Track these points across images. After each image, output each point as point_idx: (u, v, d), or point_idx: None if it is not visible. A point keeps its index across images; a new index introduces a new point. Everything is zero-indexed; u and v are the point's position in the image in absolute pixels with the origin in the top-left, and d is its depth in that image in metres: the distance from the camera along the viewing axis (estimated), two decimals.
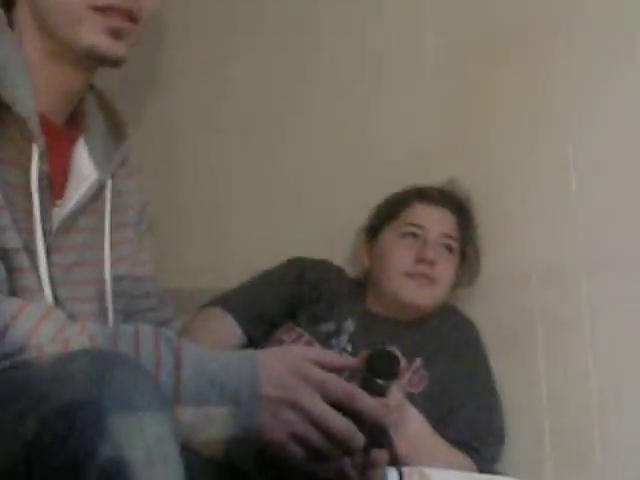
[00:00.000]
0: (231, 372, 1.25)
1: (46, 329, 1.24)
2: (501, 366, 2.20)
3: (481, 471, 2.04)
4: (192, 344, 1.28)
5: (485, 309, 2.29)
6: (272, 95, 2.64)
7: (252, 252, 2.51)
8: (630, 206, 2.16)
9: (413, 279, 2.15)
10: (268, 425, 1.23)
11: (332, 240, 2.45)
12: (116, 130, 1.62)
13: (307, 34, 2.61)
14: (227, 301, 2.24)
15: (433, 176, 2.31)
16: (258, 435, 1.23)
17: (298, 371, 1.26)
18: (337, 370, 1.30)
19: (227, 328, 2.18)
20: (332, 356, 1.33)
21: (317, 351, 1.39)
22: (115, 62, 1.47)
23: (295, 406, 1.24)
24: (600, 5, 2.21)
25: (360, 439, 1.25)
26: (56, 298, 1.45)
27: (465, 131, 2.38)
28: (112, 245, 1.58)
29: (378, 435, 1.30)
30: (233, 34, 2.72)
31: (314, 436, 1.23)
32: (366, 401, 1.27)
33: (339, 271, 2.35)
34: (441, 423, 2.01)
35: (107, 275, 1.56)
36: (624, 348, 2.13)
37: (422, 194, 2.26)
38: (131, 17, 1.45)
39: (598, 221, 2.19)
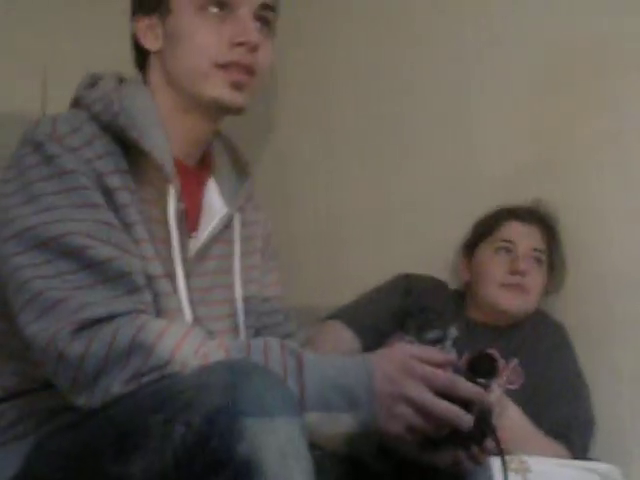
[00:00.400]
0: (349, 375, 1.34)
1: (188, 345, 1.32)
2: (588, 363, 2.32)
3: (575, 459, 2.15)
4: (312, 353, 1.38)
5: (573, 312, 2.42)
6: (383, 114, 2.74)
7: (366, 269, 2.66)
8: None
9: (507, 289, 2.32)
10: (385, 420, 1.33)
11: (435, 256, 2.59)
12: (240, 169, 1.76)
13: (417, 54, 2.70)
14: (344, 314, 2.38)
15: (527, 193, 2.45)
16: (377, 430, 1.33)
17: (404, 367, 1.35)
18: (439, 365, 1.39)
19: (345, 338, 2.32)
20: (433, 352, 1.42)
21: (419, 348, 1.44)
22: (237, 111, 1.61)
23: (405, 399, 1.34)
24: None
25: (468, 420, 1.34)
26: (195, 317, 1.56)
27: (556, 149, 2.49)
28: (241, 269, 1.69)
29: (483, 419, 1.39)
30: (341, 60, 2.84)
31: (426, 425, 1.34)
32: (468, 386, 1.37)
33: (441, 284, 2.51)
34: (537, 416, 2.15)
35: (238, 295, 1.68)
36: None
37: (512, 213, 2.41)
38: (249, 71, 1.59)
39: None
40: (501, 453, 1.43)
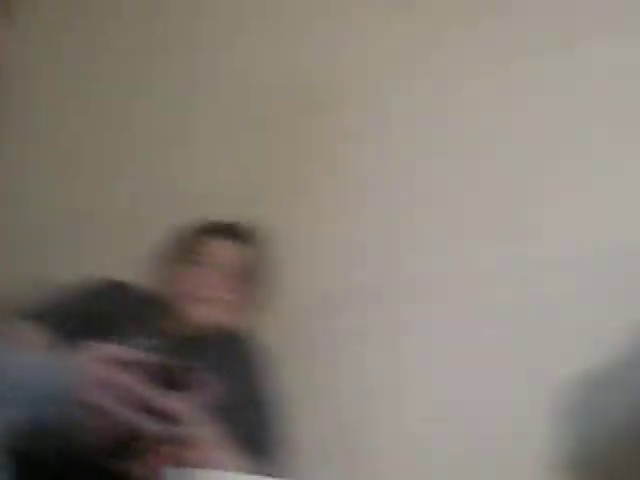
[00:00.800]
0: (42, 379, 1.33)
1: None
2: (289, 381, 2.40)
3: (265, 474, 2.12)
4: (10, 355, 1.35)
5: (276, 330, 2.50)
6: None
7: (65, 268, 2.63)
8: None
9: (201, 303, 2.36)
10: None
11: (133, 264, 2.57)
12: None
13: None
14: (34, 315, 2.30)
15: (230, 211, 2.51)
16: (66, 432, 1.33)
17: (99, 374, 1.37)
18: (137, 364, 1.41)
19: (36, 340, 2.23)
20: (132, 352, 1.44)
21: (118, 348, 1.45)
22: None
23: (97, 406, 1.35)
24: None
25: (150, 426, 1.38)
26: None
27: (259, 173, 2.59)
28: None
29: (167, 430, 1.43)
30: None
31: (116, 431, 1.35)
32: (160, 399, 1.41)
33: (147, 293, 2.49)
34: (230, 431, 2.13)
35: None
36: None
37: (210, 228, 2.46)
38: None
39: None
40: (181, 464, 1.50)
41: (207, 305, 2.36)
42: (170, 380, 1.52)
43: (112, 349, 1.41)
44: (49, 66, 2.83)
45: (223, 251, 2.43)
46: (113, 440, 1.37)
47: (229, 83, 2.68)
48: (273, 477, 2.13)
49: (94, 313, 2.38)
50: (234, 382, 2.25)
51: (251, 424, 2.27)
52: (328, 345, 2.49)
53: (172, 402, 1.44)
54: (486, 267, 2.41)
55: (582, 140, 2.37)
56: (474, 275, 2.41)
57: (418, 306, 2.43)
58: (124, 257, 2.62)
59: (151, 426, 1.38)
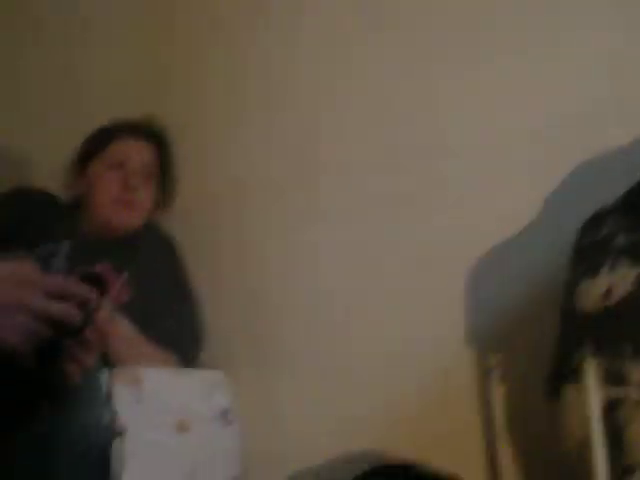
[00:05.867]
0: None
1: None
2: (197, 275, 2.44)
3: (185, 366, 2.27)
4: None
5: (183, 225, 2.52)
6: None
7: None
8: None
9: (119, 205, 2.35)
10: (3, 332, 1.30)
11: (47, 170, 2.59)
12: None
13: None
14: None
15: (139, 108, 2.49)
16: None
17: (14, 277, 1.33)
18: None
19: None
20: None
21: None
22: None
23: (22, 308, 1.31)
24: None
25: (77, 314, 1.34)
26: None
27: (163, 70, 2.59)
28: None
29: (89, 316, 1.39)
30: None
31: (42, 328, 1.31)
32: (78, 286, 1.38)
33: (53, 198, 2.48)
34: (147, 328, 2.22)
35: None
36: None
37: (122, 129, 2.43)
38: None
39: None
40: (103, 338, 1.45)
41: (128, 208, 2.38)
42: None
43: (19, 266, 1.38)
44: None
45: (140, 152, 2.43)
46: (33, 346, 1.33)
47: None
48: (193, 369, 2.27)
49: (9, 225, 2.37)
50: (151, 279, 2.34)
51: (171, 317, 2.33)
52: (232, 234, 2.53)
53: (89, 290, 1.40)
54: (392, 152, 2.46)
55: None
56: (378, 160, 2.46)
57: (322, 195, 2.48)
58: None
59: (75, 314, 1.35)
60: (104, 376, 1.58)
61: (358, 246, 2.42)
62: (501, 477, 2.24)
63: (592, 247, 2.05)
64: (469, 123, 2.38)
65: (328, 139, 2.50)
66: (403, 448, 2.20)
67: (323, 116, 2.49)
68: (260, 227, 2.51)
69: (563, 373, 2.02)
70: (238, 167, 2.54)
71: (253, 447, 2.25)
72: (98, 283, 1.56)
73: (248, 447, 2.23)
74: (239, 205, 2.53)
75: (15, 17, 2.73)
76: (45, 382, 1.42)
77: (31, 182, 2.57)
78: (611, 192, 2.09)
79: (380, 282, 2.41)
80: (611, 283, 1.94)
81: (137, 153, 2.41)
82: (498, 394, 2.30)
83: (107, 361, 2.05)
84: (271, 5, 2.54)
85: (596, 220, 2.08)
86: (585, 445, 1.90)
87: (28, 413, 1.44)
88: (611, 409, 1.90)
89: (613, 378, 1.90)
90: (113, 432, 1.65)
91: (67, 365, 1.37)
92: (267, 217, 2.50)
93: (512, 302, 2.31)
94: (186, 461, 2.02)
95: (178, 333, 2.31)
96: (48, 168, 2.60)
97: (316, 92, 2.51)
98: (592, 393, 1.91)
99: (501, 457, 2.26)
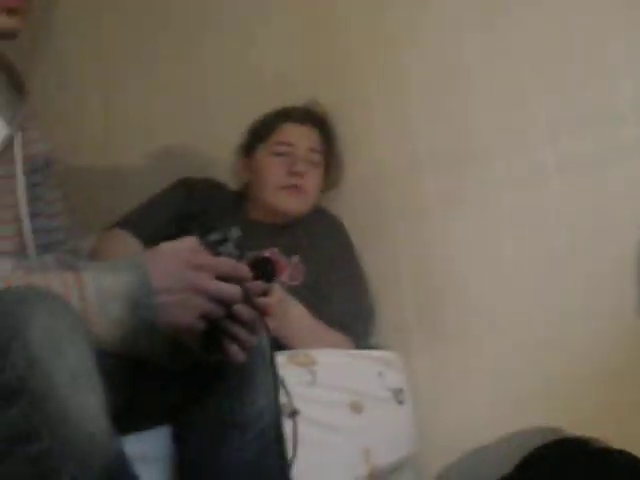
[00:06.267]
0: (124, 280, 1.35)
1: None
2: (368, 255, 2.45)
3: (357, 347, 2.28)
4: (90, 264, 1.38)
5: (350, 206, 2.53)
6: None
7: (147, 177, 2.69)
8: None
9: (286, 191, 2.37)
10: (174, 313, 1.35)
11: (214, 157, 2.65)
12: (18, 88, 1.69)
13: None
14: (127, 222, 2.39)
15: (298, 97, 2.52)
16: (167, 325, 1.35)
17: (184, 259, 1.38)
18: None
19: (129, 246, 2.33)
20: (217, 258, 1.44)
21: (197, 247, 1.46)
22: (11, 36, 1.56)
23: (194, 289, 1.36)
24: None
25: (247, 311, 1.40)
26: None
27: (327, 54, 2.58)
28: (26, 188, 1.65)
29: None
30: None
31: (216, 309, 1.37)
32: (246, 270, 1.42)
33: (222, 186, 2.54)
34: (319, 310, 2.25)
35: (24, 214, 1.64)
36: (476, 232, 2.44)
37: (288, 114, 2.46)
38: None
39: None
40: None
41: (296, 193, 2.40)
42: (257, 273, 1.50)
43: (191, 248, 1.43)
44: None
45: (306, 137, 2.45)
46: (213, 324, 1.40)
47: None
48: (366, 351, 2.27)
49: (182, 213, 2.44)
50: (321, 261, 2.39)
51: (343, 299, 2.35)
52: (398, 214, 2.51)
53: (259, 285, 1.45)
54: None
55: None
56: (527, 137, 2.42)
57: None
58: (199, 151, 2.68)
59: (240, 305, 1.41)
60: (278, 358, 1.59)
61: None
62: None
63: None
64: None
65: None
66: (578, 424, 2.17)
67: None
68: (427, 206, 2.48)
69: None
70: (404, 147, 2.51)
71: (426, 426, 2.27)
72: (268, 267, 1.62)
73: (421, 426, 2.25)
74: (406, 185, 2.50)
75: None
76: (210, 365, 1.47)
77: (200, 172, 2.59)
78: None
79: (548, 251, 2.37)
80: None
81: (302, 138, 2.44)
82: None
83: (281, 344, 2.11)
84: None
85: None
86: None
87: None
88: None
89: None
90: (287, 413, 1.70)
91: (229, 345, 1.42)
92: (436, 195, 2.47)
93: None
94: (360, 441, 2.03)
95: (350, 315, 2.32)
96: (215, 156, 2.66)
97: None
98: None
99: None
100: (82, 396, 1.18)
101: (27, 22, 1.59)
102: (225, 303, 1.38)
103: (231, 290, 1.38)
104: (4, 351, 1.16)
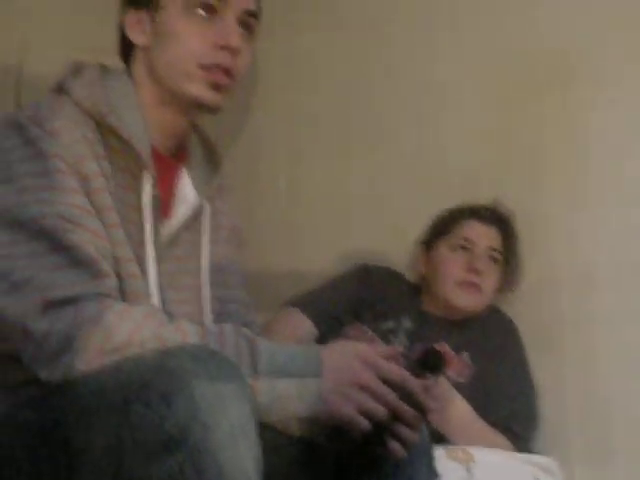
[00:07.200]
0: (298, 362, 1.42)
1: (147, 328, 1.38)
2: (536, 360, 2.43)
3: (518, 449, 2.24)
4: (265, 340, 1.44)
5: (524, 310, 2.53)
6: (354, 104, 2.84)
7: (326, 259, 2.74)
8: None
9: (464, 287, 2.39)
10: (336, 403, 1.40)
11: (393, 247, 2.68)
12: (213, 161, 1.80)
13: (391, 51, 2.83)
14: (302, 302, 2.45)
15: (484, 192, 2.55)
16: (328, 412, 1.40)
17: (357, 356, 1.43)
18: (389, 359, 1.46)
19: (302, 326, 2.40)
20: (383, 348, 1.51)
21: (369, 345, 1.51)
22: (214, 110, 1.67)
23: (359, 385, 1.41)
24: None
25: (409, 411, 1.43)
26: (162, 301, 1.59)
27: (511, 153, 2.62)
28: (207, 258, 1.74)
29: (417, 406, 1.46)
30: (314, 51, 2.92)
31: (379, 409, 1.41)
32: (414, 383, 1.45)
33: (399, 276, 2.58)
34: (484, 409, 2.24)
35: (204, 281, 1.72)
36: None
37: (472, 212, 2.49)
38: (229, 74, 1.64)
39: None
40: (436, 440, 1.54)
41: (473, 291, 2.41)
42: (425, 364, 1.57)
43: (364, 346, 1.49)
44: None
45: (488, 236, 2.46)
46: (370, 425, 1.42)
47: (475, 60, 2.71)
48: (525, 454, 2.24)
49: (357, 299, 2.48)
50: (492, 360, 2.38)
51: (509, 400, 2.33)
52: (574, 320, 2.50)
53: (420, 385, 1.47)
54: None
55: None
56: None
57: None
58: (379, 240, 2.72)
59: (410, 412, 1.44)
60: (436, 452, 1.61)
61: None
62: None
63: None
64: None
65: None
66: None
67: None
68: (607, 315, 2.46)
69: None
70: (582, 252, 2.52)
71: None
72: (436, 360, 1.64)
73: None
74: (584, 290, 2.49)
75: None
76: (369, 457, 1.50)
77: (378, 260, 2.63)
78: None
79: None
80: None
81: (484, 237, 2.45)
82: None
83: (441, 437, 2.12)
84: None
85: None
86: None
87: None
88: None
89: None
90: None
91: (391, 443, 1.45)
92: (616, 303, 2.45)
93: None
94: None
95: (514, 417, 2.30)
96: (394, 247, 2.70)
97: None
98: None
99: None
100: (238, 455, 1.20)
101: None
102: (388, 405, 1.42)
103: (396, 402, 1.42)
104: (168, 401, 1.20)
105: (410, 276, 2.61)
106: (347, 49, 2.88)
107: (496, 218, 2.50)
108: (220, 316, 1.79)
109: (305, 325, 2.42)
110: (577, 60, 2.53)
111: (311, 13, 2.92)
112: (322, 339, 2.39)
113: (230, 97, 1.68)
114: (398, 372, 1.45)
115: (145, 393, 1.23)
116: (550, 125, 2.58)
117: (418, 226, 2.59)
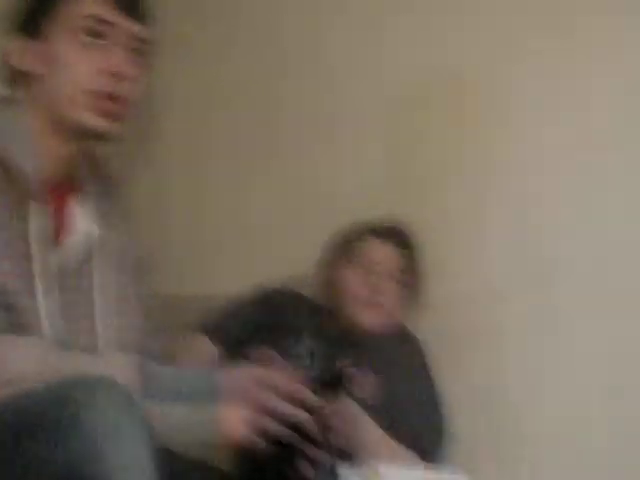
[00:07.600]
0: (195, 387, 1.46)
1: (37, 358, 1.40)
2: (444, 375, 2.44)
3: (427, 466, 2.21)
4: (162, 366, 1.49)
5: (434, 324, 2.54)
6: (254, 128, 2.87)
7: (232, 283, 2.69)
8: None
9: (368, 307, 2.39)
10: (232, 426, 1.42)
11: (295, 268, 2.66)
12: (107, 189, 1.79)
13: (287, 76, 2.85)
14: (207, 328, 2.42)
15: (381, 208, 2.56)
16: (226, 436, 1.42)
17: (254, 379, 1.47)
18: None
19: (207, 352, 2.37)
20: (282, 375, 1.53)
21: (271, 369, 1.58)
22: (103, 137, 1.66)
23: (258, 408, 1.43)
24: None
25: (309, 421, 1.46)
26: (54, 332, 1.57)
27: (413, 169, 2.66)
28: (100, 286, 1.71)
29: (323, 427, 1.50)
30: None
31: (278, 429, 1.43)
32: (315, 401, 1.48)
33: (300, 297, 2.56)
34: (390, 425, 2.23)
35: (98, 311, 1.69)
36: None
37: (371, 231, 2.49)
38: (117, 100, 1.63)
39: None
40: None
41: (376, 310, 2.41)
42: (329, 384, 1.60)
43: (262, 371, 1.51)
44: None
45: (389, 255, 2.46)
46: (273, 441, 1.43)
47: (369, 83, 2.74)
48: (434, 467, 2.23)
49: (259, 323, 2.47)
50: (396, 376, 2.37)
51: (418, 417, 2.33)
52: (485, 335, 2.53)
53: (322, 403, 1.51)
54: None
55: None
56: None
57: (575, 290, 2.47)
58: (279, 261, 2.72)
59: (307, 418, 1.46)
60: (342, 471, 1.64)
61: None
62: None
63: None
64: None
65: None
66: None
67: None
68: (515, 330, 2.51)
69: None
70: (488, 264, 2.55)
71: None
72: (339, 379, 1.64)
73: None
74: (487, 308, 2.52)
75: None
76: (278, 477, 1.51)
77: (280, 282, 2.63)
78: None
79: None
80: None
81: (385, 256, 2.45)
82: None
83: (347, 455, 2.09)
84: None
85: None
86: None
87: None
88: None
89: None
90: None
91: (300, 463, 1.47)
92: (523, 320, 2.50)
93: None
94: None
95: (422, 432, 2.31)
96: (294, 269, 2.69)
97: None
98: None
99: None
100: None
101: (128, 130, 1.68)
102: (288, 425, 1.43)
103: (295, 414, 1.44)
104: (57, 436, 1.20)
105: (313, 296, 2.59)
106: (243, 77, 2.90)
107: (396, 235, 2.50)
108: (118, 344, 1.74)
109: (210, 350, 2.39)
110: (471, 76, 2.58)
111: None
112: (228, 364, 2.31)
113: (126, 124, 1.67)
114: (298, 391, 1.47)
115: (35, 429, 1.23)
116: (451, 139, 2.62)
117: (317, 246, 2.59)
